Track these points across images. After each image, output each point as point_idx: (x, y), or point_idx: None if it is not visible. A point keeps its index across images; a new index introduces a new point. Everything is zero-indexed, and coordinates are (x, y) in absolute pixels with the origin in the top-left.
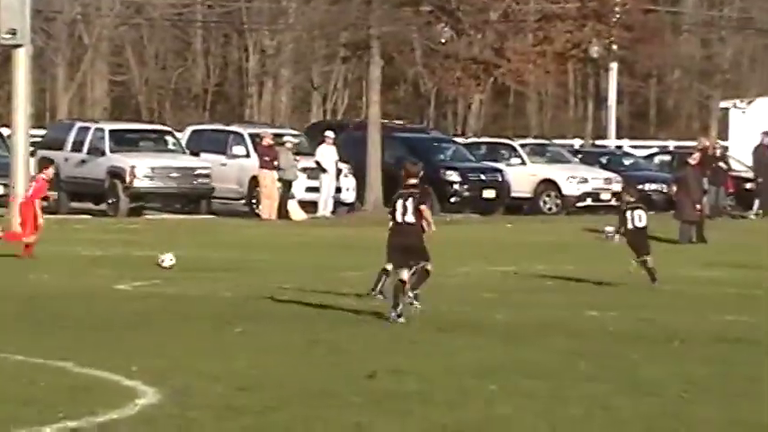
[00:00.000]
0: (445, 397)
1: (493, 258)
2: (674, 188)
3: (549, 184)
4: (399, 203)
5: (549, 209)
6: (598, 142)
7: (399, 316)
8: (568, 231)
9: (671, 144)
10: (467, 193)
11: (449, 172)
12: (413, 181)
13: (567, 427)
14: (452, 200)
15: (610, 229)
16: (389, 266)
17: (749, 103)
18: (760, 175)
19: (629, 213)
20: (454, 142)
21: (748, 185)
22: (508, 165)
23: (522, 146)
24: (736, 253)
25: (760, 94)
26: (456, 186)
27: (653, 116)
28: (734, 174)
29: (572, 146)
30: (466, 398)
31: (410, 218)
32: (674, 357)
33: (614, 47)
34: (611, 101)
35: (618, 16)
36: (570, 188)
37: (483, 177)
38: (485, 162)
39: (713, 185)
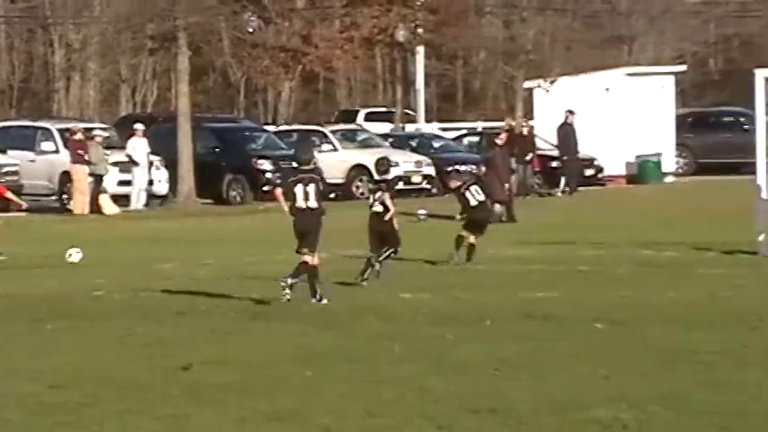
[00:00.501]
0: (262, 385)
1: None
2: (483, 169)
3: (360, 170)
4: (300, 188)
5: (362, 194)
6: (408, 125)
7: (320, 299)
8: None
9: (479, 125)
10: (279, 181)
11: (261, 161)
12: (307, 168)
13: (381, 410)
14: (265, 188)
15: (422, 211)
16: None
17: (552, 82)
18: (565, 153)
19: (468, 193)
20: (265, 131)
21: (554, 163)
22: (320, 151)
23: (333, 132)
24: (544, 231)
25: (562, 73)
26: (269, 175)
27: (460, 98)
28: (540, 152)
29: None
30: (283, 385)
31: (312, 203)
32: (485, 336)
33: (420, 30)
34: (419, 84)
35: (422, 0)
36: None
37: (295, 165)
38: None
39: (520, 164)
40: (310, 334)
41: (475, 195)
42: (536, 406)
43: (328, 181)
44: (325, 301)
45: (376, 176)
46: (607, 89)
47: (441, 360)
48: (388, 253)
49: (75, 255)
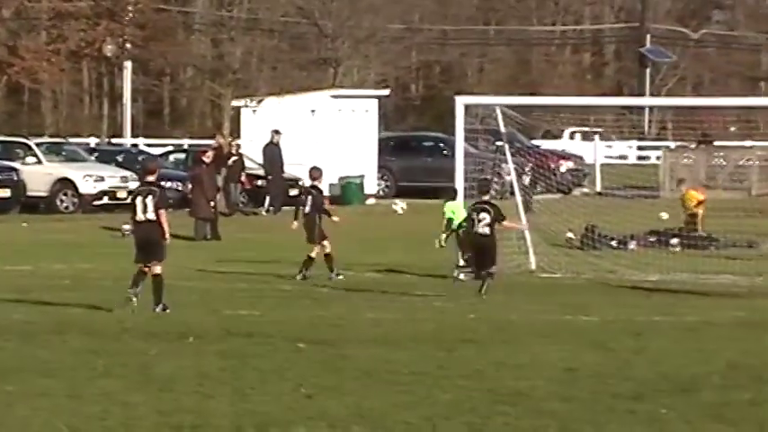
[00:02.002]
0: None
1: (9, 258)
2: (190, 186)
3: (65, 183)
4: (139, 200)
5: (66, 207)
6: (114, 140)
7: (164, 309)
8: (86, 230)
9: (185, 142)
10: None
11: None
12: (151, 178)
13: (83, 425)
14: None
15: (126, 227)
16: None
17: (259, 102)
18: (270, 173)
19: (303, 198)
20: None
21: (260, 182)
22: (24, 164)
23: (38, 144)
24: (248, 249)
25: (269, 93)
26: None
27: (167, 114)
28: (247, 171)
29: (88, 144)
30: None
31: (151, 215)
32: (189, 353)
33: (128, 45)
34: (126, 99)
35: (131, 15)
36: (87, 186)
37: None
38: None
39: (228, 182)
40: (12, 348)
41: (306, 206)
42: (238, 423)
43: (31, 194)
44: (168, 310)
45: (485, 197)
46: (312, 110)
47: (143, 376)
48: (489, 273)
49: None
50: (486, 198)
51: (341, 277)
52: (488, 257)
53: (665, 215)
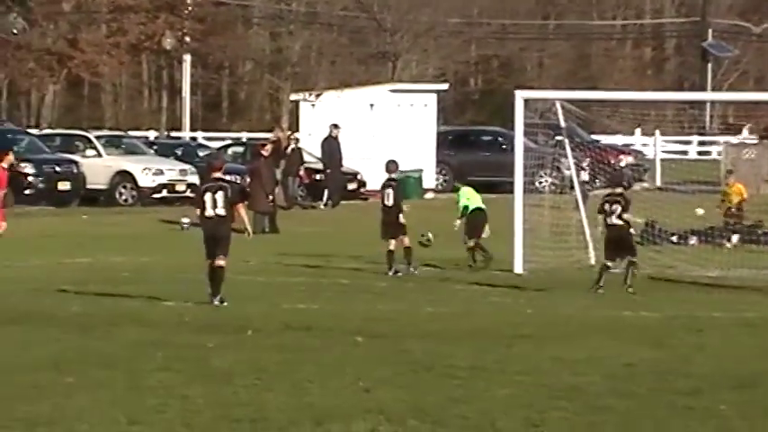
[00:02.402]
0: (19, 392)
1: (69, 250)
2: (248, 179)
3: (124, 176)
4: (209, 196)
5: (126, 200)
6: (173, 134)
7: (222, 301)
8: (145, 223)
9: (244, 135)
10: (42, 185)
11: (23, 164)
12: (218, 174)
13: (142, 417)
14: (27, 192)
15: (185, 220)
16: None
17: (318, 95)
18: (329, 167)
19: (381, 192)
20: (28, 134)
21: (318, 176)
22: (84, 156)
23: (98, 137)
24: (306, 243)
25: (327, 87)
26: (30, 178)
27: (226, 107)
28: (305, 165)
29: (147, 137)
30: (42, 391)
31: (221, 210)
32: (247, 346)
33: (187, 39)
34: (185, 92)
35: (190, 8)
36: (146, 180)
37: (58, 169)
38: (60, 154)
39: (286, 176)
40: (71, 339)
41: (384, 198)
42: (296, 417)
43: (90, 186)
44: (225, 303)
45: (618, 189)
46: (371, 105)
47: (202, 369)
48: (630, 261)
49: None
50: (618, 190)
51: (417, 272)
52: (626, 246)
53: (700, 211)
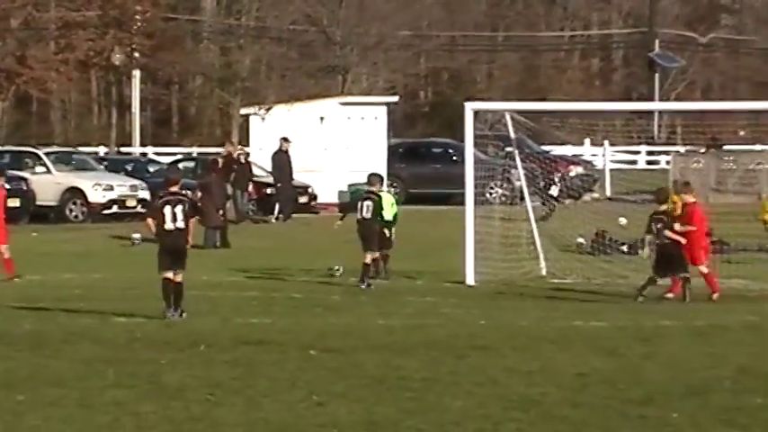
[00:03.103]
0: None
1: (20, 268)
2: (199, 194)
3: (75, 192)
4: (168, 209)
5: (76, 216)
6: (123, 149)
7: (181, 314)
8: (95, 239)
9: (194, 150)
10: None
11: None
12: (175, 188)
13: None
14: None
15: (137, 235)
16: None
17: (268, 109)
18: (279, 180)
19: (359, 204)
20: None
21: (269, 190)
22: (33, 173)
23: (47, 154)
24: (258, 257)
25: (277, 101)
26: None
27: (176, 123)
28: (256, 179)
29: (97, 153)
30: None
31: (180, 224)
32: (199, 361)
33: (136, 54)
34: (134, 108)
35: (139, 24)
36: (96, 196)
37: (7, 186)
38: (8, 171)
39: (237, 190)
40: (21, 358)
41: (363, 210)
42: (249, 430)
43: (40, 203)
44: (185, 314)
45: (663, 207)
46: (321, 118)
47: (154, 385)
48: (682, 276)
49: None
50: (663, 207)
51: (371, 287)
52: (677, 261)
53: (623, 220)
